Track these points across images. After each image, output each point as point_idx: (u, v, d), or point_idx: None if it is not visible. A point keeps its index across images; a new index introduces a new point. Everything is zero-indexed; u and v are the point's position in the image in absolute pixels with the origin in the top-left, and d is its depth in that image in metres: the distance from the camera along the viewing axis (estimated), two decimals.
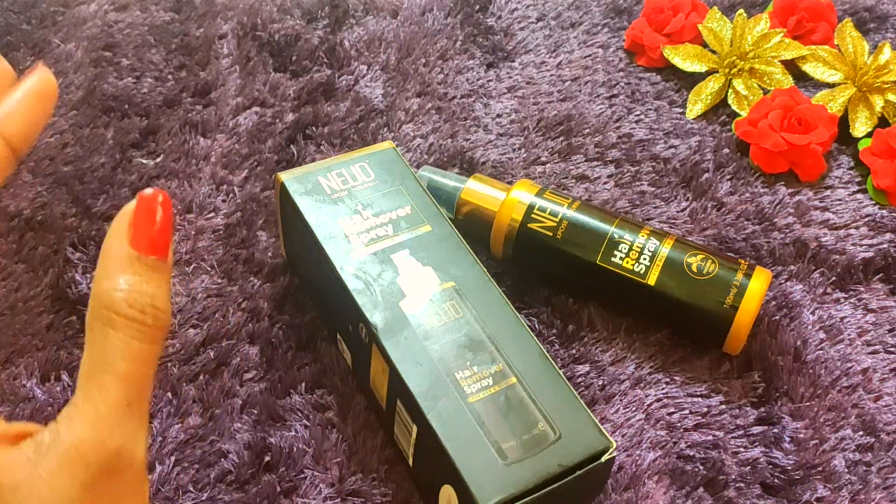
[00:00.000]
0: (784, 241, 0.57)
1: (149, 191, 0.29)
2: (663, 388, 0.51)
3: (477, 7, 0.73)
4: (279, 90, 0.67)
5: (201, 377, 0.51)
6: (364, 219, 0.48)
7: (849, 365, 0.52)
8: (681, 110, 0.66)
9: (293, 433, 0.49)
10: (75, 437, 0.26)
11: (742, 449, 0.48)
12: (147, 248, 0.28)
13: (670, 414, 0.50)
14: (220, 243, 0.57)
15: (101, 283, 0.28)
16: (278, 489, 0.47)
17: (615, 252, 0.51)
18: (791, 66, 0.67)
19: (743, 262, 0.51)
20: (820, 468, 0.48)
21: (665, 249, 0.51)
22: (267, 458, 0.48)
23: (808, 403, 0.50)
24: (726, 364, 0.52)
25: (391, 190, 0.50)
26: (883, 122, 0.64)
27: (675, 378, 0.51)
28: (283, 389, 0.50)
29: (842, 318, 0.54)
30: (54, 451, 0.27)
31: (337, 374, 0.51)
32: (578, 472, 0.40)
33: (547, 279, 0.55)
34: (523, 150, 0.63)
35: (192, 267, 0.56)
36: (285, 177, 0.50)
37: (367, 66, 0.68)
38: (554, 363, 0.44)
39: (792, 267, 0.56)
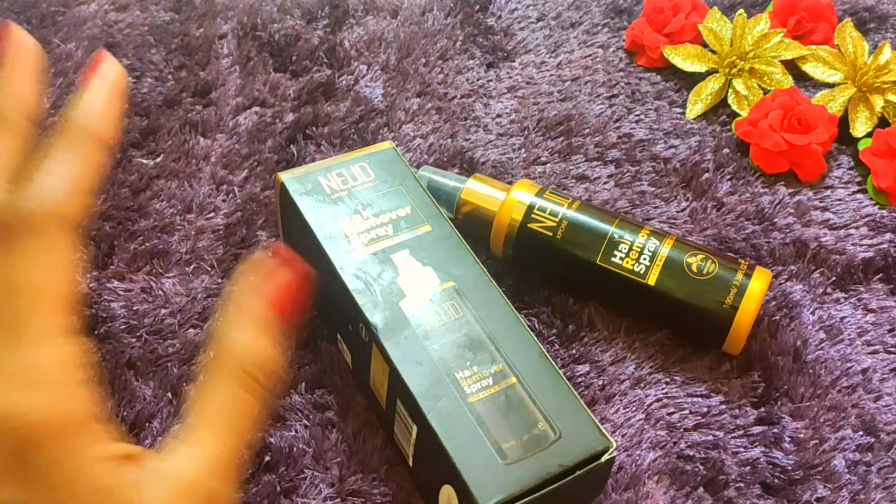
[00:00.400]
0: (784, 241, 0.57)
1: (274, 252, 0.30)
2: (663, 388, 0.51)
3: (477, 7, 0.73)
4: (279, 90, 0.67)
5: (201, 377, 0.51)
6: (364, 219, 0.48)
7: (849, 365, 0.52)
8: (681, 110, 0.66)
9: (293, 433, 0.49)
10: (185, 474, 0.28)
11: (742, 449, 0.48)
12: (282, 314, 0.29)
13: (670, 414, 0.50)
14: (220, 243, 0.57)
15: (236, 337, 0.29)
16: (278, 489, 0.47)
17: (615, 252, 0.51)
18: (791, 66, 0.67)
19: (743, 262, 0.51)
20: (820, 468, 0.48)
21: (665, 249, 0.51)
22: (267, 458, 0.48)
23: (808, 403, 0.50)
24: (726, 364, 0.52)
25: (391, 190, 0.50)
26: (883, 122, 0.64)
27: (675, 378, 0.51)
28: (284, 389, 0.50)
29: (842, 318, 0.54)
30: (164, 481, 0.28)
31: (337, 374, 0.51)
32: (578, 472, 0.40)
33: (547, 279, 0.55)
34: (523, 150, 0.63)
35: (192, 267, 0.56)
36: (285, 177, 0.50)
37: (367, 66, 0.68)
38: (554, 363, 0.44)
39: (792, 267, 0.56)
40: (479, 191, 0.55)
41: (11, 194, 0.28)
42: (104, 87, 0.31)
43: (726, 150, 0.63)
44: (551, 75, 0.68)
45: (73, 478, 0.27)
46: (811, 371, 0.51)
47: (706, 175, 0.61)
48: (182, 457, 0.28)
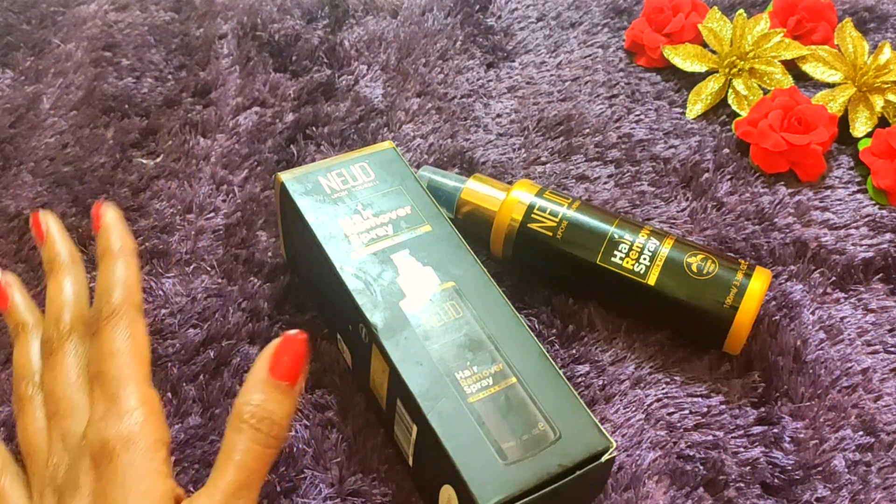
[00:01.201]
0: (784, 241, 0.57)
1: (293, 332, 0.36)
2: (663, 388, 0.51)
3: (477, 7, 0.73)
4: (279, 90, 0.67)
5: (201, 377, 0.51)
6: (364, 219, 0.48)
7: (849, 365, 0.52)
8: (681, 110, 0.66)
9: (293, 433, 0.49)
10: None
11: (742, 449, 0.48)
12: (279, 375, 0.35)
13: (670, 414, 0.50)
14: (220, 243, 0.57)
15: (240, 397, 0.35)
16: (278, 489, 0.47)
17: (615, 252, 0.51)
18: (791, 66, 0.67)
19: (743, 262, 0.51)
20: (820, 468, 0.48)
21: (665, 249, 0.51)
22: None
23: (808, 403, 0.50)
24: (726, 364, 0.52)
25: (391, 190, 0.50)
26: (883, 122, 0.64)
27: (675, 378, 0.51)
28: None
29: (842, 318, 0.54)
30: None
31: (337, 374, 0.51)
32: (578, 472, 0.40)
33: (547, 279, 0.55)
34: (523, 150, 0.63)
35: (192, 267, 0.56)
36: (285, 177, 0.50)
37: (367, 66, 0.68)
38: (554, 363, 0.44)
39: (792, 267, 0.56)
40: (479, 191, 0.55)
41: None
42: (124, 262, 0.39)
43: (726, 150, 0.63)
44: (551, 75, 0.68)
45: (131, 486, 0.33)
46: (811, 371, 0.51)
47: (706, 175, 0.61)
48: (202, 495, 0.34)
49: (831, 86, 0.66)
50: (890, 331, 0.53)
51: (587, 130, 0.64)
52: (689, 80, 0.67)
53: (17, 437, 0.39)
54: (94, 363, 0.37)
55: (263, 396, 0.35)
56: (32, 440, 0.38)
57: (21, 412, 0.38)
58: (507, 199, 0.54)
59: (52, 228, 0.42)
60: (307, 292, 0.55)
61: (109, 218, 0.41)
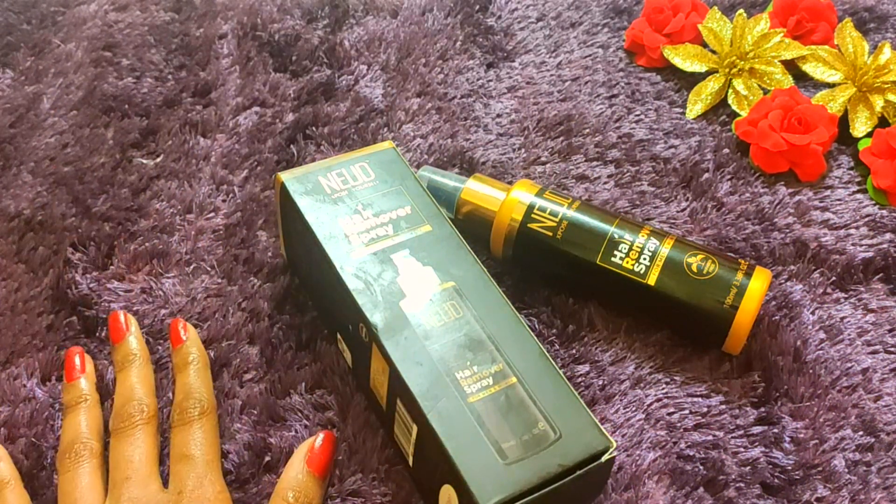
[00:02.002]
0: (784, 241, 0.57)
1: (321, 437, 0.47)
2: (663, 388, 0.51)
3: (477, 7, 0.73)
4: (279, 90, 0.67)
5: None
6: (364, 219, 0.48)
7: (849, 365, 0.52)
8: (681, 110, 0.66)
9: (293, 433, 0.49)
10: None
11: (742, 449, 0.48)
12: (313, 468, 0.46)
13: (670, 414, 0.50)
14: (220, 243, 0.57)
15: (282, 481, 0.45)
16: None
17: (615, 252, 0.51)
18: (791, 66, 0.67)
19: (743, 262, 0.51)
20: (820, 468, 0.48)
21: (665, 249, 0.51)
22: (267, 458, 0.48)
23: (808, 403, 0.50)
24: (726, 364, 0.52)
25: (391, 190, 0.50)
26: (883, 122, 0.64)
27: (675, 378, 0.51)
28: (283, 390, 0.50)
29: (842, 318, 0.54)
30: None
31: (337, 374, 0.51)
32: (578, 472, 0.40)
33: (547, 279, 0.55)
34: (523, 150, 0.63)
35: (192, 267, 0.56)
36: (285, 176, 0.50)
37: (367, 66, 0.68)
38: (554, 363, 0.44)
39: (792, 267, 0.56)
40: (479, 191, 0.55)
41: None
42: (195, 367, 0.49)
43: (726, 150, 0.63)
44: (551, 75, 0.68)
45: None
46: (811, 371, 0.51)
47: (706, 175, 0.61)
48: None
49: (831, 86, 0.66)
50: (890, 331, 0.53)
51: (587, 130, 0.64)
52: (689, 80, 0.67)
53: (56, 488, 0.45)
54: (186, 446, 0.45)
55: (302, 483, 0.45)
56: (80, 493, 0.43)
57: (71, 468, 0.44)
58: (507, 199, 0.54)
59: (133, 327, 0.51)
60: (307, 292, 0.55)
61: (192, 332, 0.51)
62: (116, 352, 0.50)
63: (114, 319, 0.51)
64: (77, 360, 0.49)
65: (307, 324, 0.53)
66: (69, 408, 0.48)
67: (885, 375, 0.51)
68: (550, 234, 0.53)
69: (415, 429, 0.43)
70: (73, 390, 0.48)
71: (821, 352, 0.52)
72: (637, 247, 0.51)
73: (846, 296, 0.55)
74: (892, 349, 0.53)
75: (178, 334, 0.50)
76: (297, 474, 0.45)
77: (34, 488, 0.47)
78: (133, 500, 0.42)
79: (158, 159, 0.62)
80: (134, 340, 0.50)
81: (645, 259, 0.51)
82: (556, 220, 0.53)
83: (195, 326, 0.53)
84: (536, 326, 0.53)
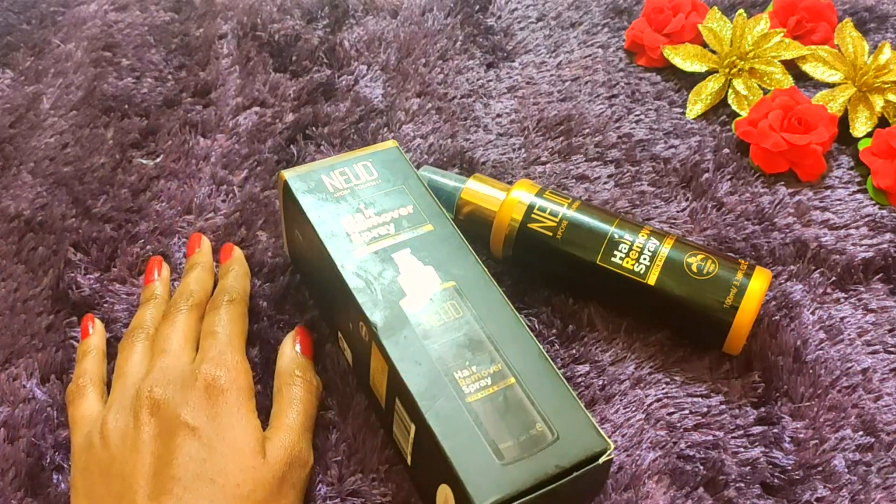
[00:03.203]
0: (784, 241, 0.57)
1: (296, 329, 0.52)
2: (663, 388, 0.51)
3: (477, 7, 0.73)
4: (279, 90, 0.67)
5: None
6: (366, 217, 0.48)
7: (849, 365, 0.52)
8: (681, 110, 0.66)
9: None
10: (283, 440, 0.45)
11: (742, 449, 0.48)
12: (303, 349, 0.51)
13: (670, 414, 0.50)
14: (220, 244, 0.57)
15: (282, 365, 0.50)
16: None
17: (615, 252, 0.51)
18: (791, 66, 0.67)
19: (743, 262, 0.51)
20: (820, 468, 0.48)
21: (665, 249, 0.51)
22: None
23: (808, 403, 0.50)
24: (726, 364, 0.52)
25: (393, 189, 0.50)
26: (883, 122, 0.64)
27: (675, 378, 0.51)
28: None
29: (842, 318, 0.54)
30: (274, 445, 0.46)
31: (337, 374, 0.51)
32: (575, 474, 0.40)
33: (547, 279, 0.55)
34: (523, 150, 0.63)
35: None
36: (289, 174, 0.50)
37: (367, 66, 0.69)
38: (553, 364, 0.44)
39: (792, 267, 0.56)
40: (479, 191, 0.55)
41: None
42: (236, 270, 0.55)
43: (726, 150, 0.63)
44: (551, 75, 0.68)
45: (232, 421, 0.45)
46: (811, 371, 0.51)
47: (706, 175, 0.61)
48: (281, 430, 0.46)
49: (831, 86, 0.66)
50: (890, 331, 0.53)
51: (587, 130, 0.64)
52: (689, 80, 0.67)
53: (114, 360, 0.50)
54: (212, 325, 0.49)
55: (300, 356, 0.50)
56: (130, 365, 0.48)
57: (127, 346, 0.50)
58: (507, 199, 0.54)
59: (205, 243, 0.56)
60: (309, 290, 0.55)
61: (238, 252, 0.56)
62: (187, 262, 0.56)
63: (190, 240, 0.57)
64: (155, 268, 0.55)
65: (307, 324, 0.53)
66: (142, 304, 0.53)
67: (885, 375, 0.51)
68: (550, 234, 0.53)
69: (413, 428, 0.43)
70: (147, 290, 0.54)
71: (821, 352, 0.52)
72: (637, 247, 0.51)
73: (846, 296, 0.55)
74: (892, 349, 0.53)
75: (224, 253, 0.56)
76: (292, 356, 0.50)
77: (34, 488, 0.47)
78: (164, 368, 0.46)
79: (158, 159, 0.62)
80: (202, 254, 0.56)
81: (645, 259, 0.51)
82: (556, 220, 0.53)
83: None
84: (536, 326, 0.53)
